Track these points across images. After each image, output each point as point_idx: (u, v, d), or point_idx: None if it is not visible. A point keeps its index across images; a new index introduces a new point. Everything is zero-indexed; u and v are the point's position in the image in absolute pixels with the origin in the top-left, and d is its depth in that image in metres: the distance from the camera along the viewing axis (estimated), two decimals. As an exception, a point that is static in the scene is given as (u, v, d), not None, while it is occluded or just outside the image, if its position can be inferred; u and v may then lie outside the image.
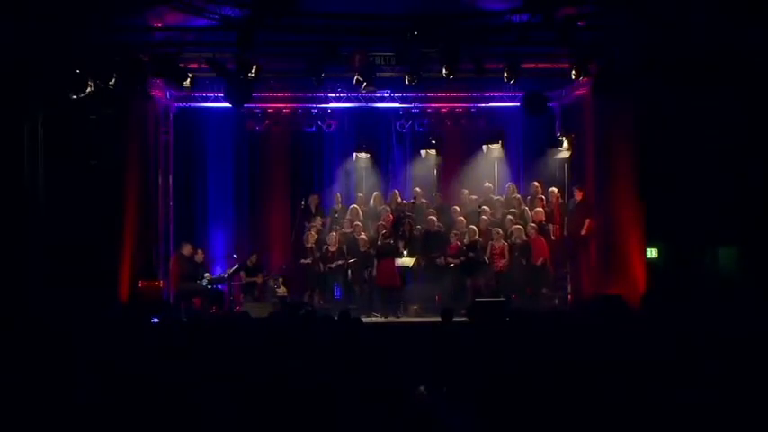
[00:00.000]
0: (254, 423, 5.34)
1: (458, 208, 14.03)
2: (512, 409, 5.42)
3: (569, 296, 13.68)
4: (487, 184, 14.61)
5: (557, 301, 13.45)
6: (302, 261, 13.55)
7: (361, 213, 14.00)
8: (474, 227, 13.40)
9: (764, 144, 11.34)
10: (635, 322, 9.01)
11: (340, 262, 13.39)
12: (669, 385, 5.63)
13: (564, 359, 6.35)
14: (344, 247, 13.49)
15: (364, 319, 10.14)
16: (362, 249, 13.37)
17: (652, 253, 12.16)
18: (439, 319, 9.27)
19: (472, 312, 11.31)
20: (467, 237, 13.36)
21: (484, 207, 13.90)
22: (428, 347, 7.54)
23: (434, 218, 13.70)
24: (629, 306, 10.49)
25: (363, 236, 13.42)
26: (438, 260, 13.31)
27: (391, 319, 12.70)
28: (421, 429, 5.27)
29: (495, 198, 14.34)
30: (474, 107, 14.94)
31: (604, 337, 7.55)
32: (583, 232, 13.25)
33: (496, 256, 13.14)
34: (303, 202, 14.37)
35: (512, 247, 13.20)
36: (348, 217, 13.92)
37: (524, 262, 13.10)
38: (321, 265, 13.44)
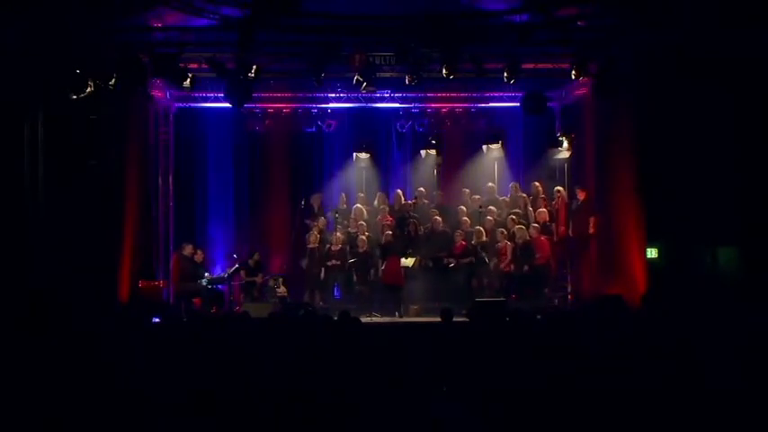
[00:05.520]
0: (253, 424, 5.34)
1: (464, 208, 14.06)
2: (512, 410, 5.42)
3: (569, 296, 13.68)
4: (490, 184, 14.63)
5: (557, 301, 13.45)
6: (302, 263, 13.55)
7: (365, 213, 14.02)
8: (480, 227, 13.42)
9: (764, 144, 11.34)
10: (635, 322, 9.00)
11: (338, 261, 13.42)
12: (669, 385, 5.63)
13: (563, 359, 6.35)
14: (347, 246, 13.53)
15: (364, 320, 10.15)
16: (361, 250, 13.38)
17: (652, 253, 12.16)
18: (439, 319, 9.27)
19: (472, 312, 11.32)
20: (474, 237, 13.38)
21: (490, 207, 13.92)
22: (428, 347, 7.54)
23: (439, 218, 13.72)
24: (629, 306, 10.49)
25: (363, 236, 13.43)
26: (446, 260, 13.32)
27: (391, 318, 12.71)
28: (421, 429, 5.27)
29: (501, 198, 14.36)
30: (474, 107, 14.94)
31: (604, 336, 7.55)
32: (591, 230, 13.24)
33: (501, 257, 13.16)
34: (303, 202, 14.38)
35: (515, 247, 13.21)
36: (352, 216, 13.94)
37: (527, 262, 13.11)
38: (322, 266, 13.47)
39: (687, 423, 5.21)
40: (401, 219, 13.76)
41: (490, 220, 13.60)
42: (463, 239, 13.40)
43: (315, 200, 14.39)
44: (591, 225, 13.24)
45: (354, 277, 13.45)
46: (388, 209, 14.08)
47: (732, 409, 5.22)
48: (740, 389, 5.50)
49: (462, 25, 11.89)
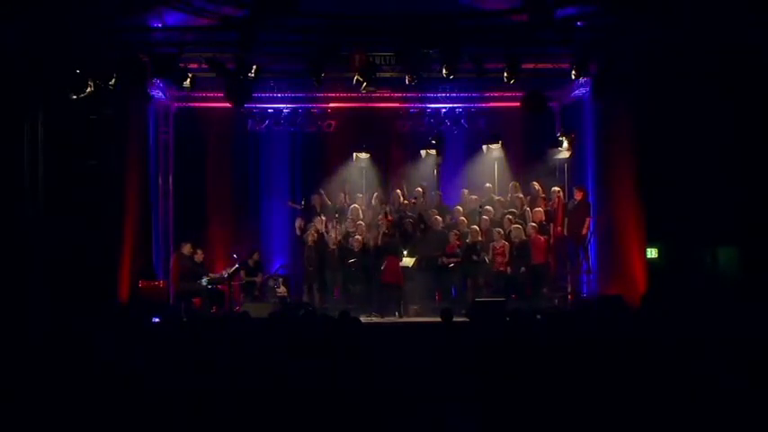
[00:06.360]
0: (254, 424, 5.34)
1: (461, 208, 14.06)
2: (512, 410, 5.42)
3: (569, 296, 13.68)
4: (488, 184, 14.61)
5: (557, 301, 13.45)
6: (309, 268, 13.57)
7: (361, 213, 14.02)
8: (476, 227, 13.42)
9: (765, 144, 11.33)
10: (635, 322, 9.01)
11: (337, 261, 13.43)
12: (669, 385, 5.63)
13: (563, 358, 6.35)
14: (346, 246, 13.54)
15: (364, 320, 10.15)
16: (356, 249, 13.38)
17: (652, 253, 12.16)
18: (439, 319, 9.26)
19: (472, 312, 11.33)
20: (469, 237, 13.38)
21: (486, 207, 13.92)
22: (428, 347, 7.54)
23: (439, 217, 13.73)
24: (629, 306, 10.50)
25: (359, 237, 13.43)
26: (440, 260, 13.33)
27: (390, 319, 12.71)
28: (420, 429, 5.27)
29: (497, 198, 14.35)
30: (474, 107, 14.95)
31: (604, 336, 7.56)
32: (583, 231, 13.26)
33: (497, 256, 13.16)
34: (303, 202, 14.38)
35: (512, 246, 13.21)
36: (350, 217, 13.95)
37: (523, 261, 13.12)
38: (321, 265, 13.50)
39: (687, 423, 5.21)
40: (398, 219, 13.76)
41: (486, 220, 13.59)
42: (458, 239, 13.40)
43: (316, 200, 14.40)
44: (584, 226, 13.25)
45: (353, 277, 13.45)
46: (387, 209, 14.09)
47: (732, 409, 5.22)
48: (740, 389, 5.50)
49: (462, 25, 11.89)
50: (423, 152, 14.96)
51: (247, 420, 5.35)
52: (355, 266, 13.39)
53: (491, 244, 13.24)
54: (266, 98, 14.35)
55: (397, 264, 13.09)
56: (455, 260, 13.25)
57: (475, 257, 13.19)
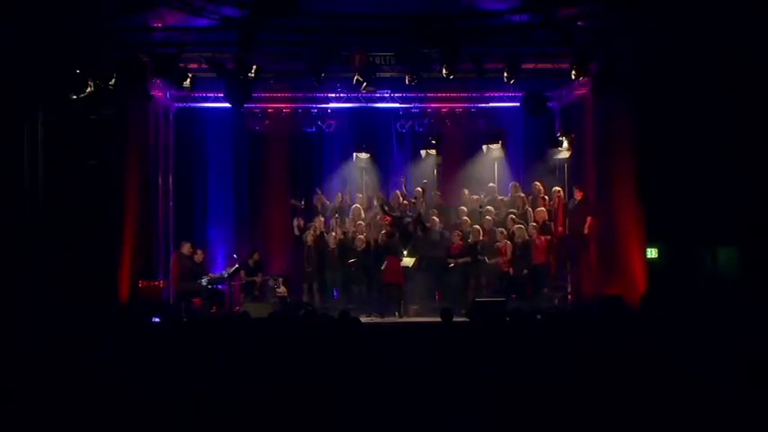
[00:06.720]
0: (254, 424, 5.34)
1: (464, 208, 14.07)
2: (512, 410, 5.42)
3: (569, 296, 13.69)
4: (491, 184, 14.63)
5: (557, 300, 13.46)
6: (309, 268, 13.58)
7: (363, 213, 14.04)
8: (478, 227, 13.43)
9: (765, 144, 11.34)
10: (635, 322, 9.01)
11: (337, 261, 13.42)
12: (668, 385, 5.63)
13: (564, 359, 6.35)
14: (346, 246, 13.53)
15: (363, 320, 10.14)
16: (359, 249, 13.39)
17: (652, 253, 12.17)
18: (439, 319, 9.26)
19: (472, 312, 11.33)
20: (471, 236, 13.39)
21: (488, 207, 13.93)
22: (428, 347, 7.54)
23: (437, 218, 13.73)
24: (629, 306, 10.50)
25: (361, 236, 13.44)
26: (439, 259, 13.32)
27: (390, 319, 12.71)
28: (420, 429, 5.27)
29: (500, 198, 14.36)
30: (474, 107, 14.95)
31: (604, 336, 7.56)
32: (585, 231, 13.26)
33: (500, 256, 13.16)
34: (302, 202, 14.39)
35: (514, 246, 13.22)
36: (351, 216, 13.96)
37: (526, 261, 13.12)
38: (320, 265, 13.49)
39: (687, 423, 5.21)
40: (398, 219, 13.76)
41: (489, 220, 13.61)
42: (461, 239, 13.41)
43: (318, 200, 14.42)
44: (586, 225, 13.26)
45: (354, 277, 13.45)
46: (386, 209, 14.09)
47: (732, 409, 5.22)
48: (740, 389, 5.50)
49: (462, 25, 11.89)
50: (423, 152, 14.97)
51: (247, 420, 5.35)
52: (355, 266, 13.40)
53: (495, 245, 13.25)
54: (266, 98, 14.36)
55: (398, 264, 13.10)
56: (462, 260, 13.24)
57: (479, 257, 13.20)
